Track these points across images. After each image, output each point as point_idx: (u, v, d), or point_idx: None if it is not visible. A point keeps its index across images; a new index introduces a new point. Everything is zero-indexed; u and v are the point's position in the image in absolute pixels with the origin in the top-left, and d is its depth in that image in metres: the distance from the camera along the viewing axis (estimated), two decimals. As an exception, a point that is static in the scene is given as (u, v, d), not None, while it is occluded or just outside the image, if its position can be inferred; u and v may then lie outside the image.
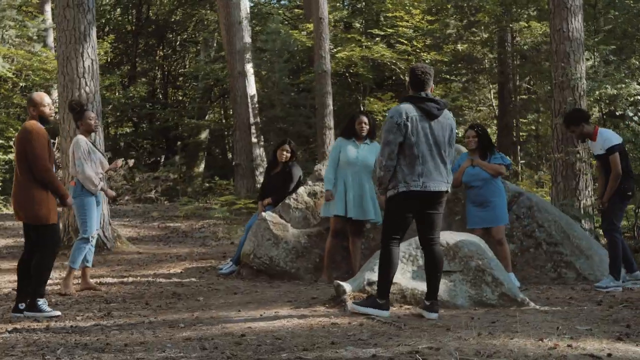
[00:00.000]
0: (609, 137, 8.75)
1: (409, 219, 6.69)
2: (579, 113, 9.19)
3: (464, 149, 9.80)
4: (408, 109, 6.57)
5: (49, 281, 9.16)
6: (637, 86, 13.49)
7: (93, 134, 9.01)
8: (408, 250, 7.31)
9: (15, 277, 9.69)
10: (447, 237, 7.37)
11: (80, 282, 8.85)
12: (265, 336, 5.81)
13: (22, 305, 7.12)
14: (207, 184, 24.77)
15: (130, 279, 9.58)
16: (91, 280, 8.98)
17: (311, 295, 7.95)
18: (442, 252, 6.81)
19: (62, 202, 7.32)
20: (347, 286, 7.12)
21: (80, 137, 8.72)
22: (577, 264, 9.24)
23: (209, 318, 6.74)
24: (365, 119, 9.37)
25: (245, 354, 5.21)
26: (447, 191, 6.71)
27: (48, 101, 7.29)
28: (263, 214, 9.74)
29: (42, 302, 7.10)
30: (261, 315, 6.81)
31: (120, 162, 9.12)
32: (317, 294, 7.94)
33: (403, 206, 6.59)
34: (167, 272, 10.26)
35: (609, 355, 5.01)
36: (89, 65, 11.94)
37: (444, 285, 7.04)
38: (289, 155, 10.33)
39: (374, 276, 7.00)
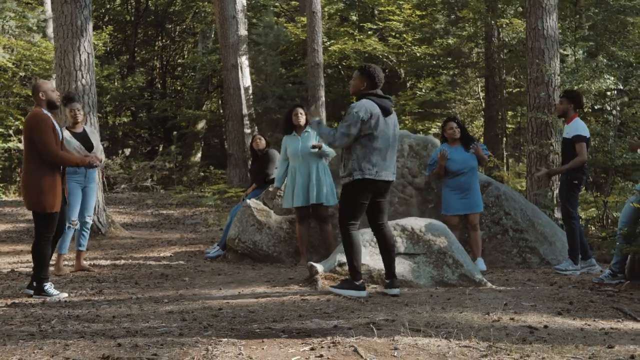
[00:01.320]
0: (579, 127, 9.31)
1: (364, 206, 7.25)
2: (578, 97, 9.70)
3: (438, 142, 10.42)
4: (372, 106, 7.14)
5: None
6: (611, 80, 14.01)
7: (83, 124, 9.49)
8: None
9: (13, 259, 10.43)
10: (412, 223, 8.00)
11: (74, 264, 9.47)
12: (240, 309, 6.42)
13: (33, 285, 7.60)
14: (203, 173, 25.34)
15: (122, 262, 10.19)
16: (85, 262, 9.58)
17: (289, 276, 8.58)
18: (392, 233, 7.43)
19: (89, 166, 7.84)
20: (319, 267, 7.75)
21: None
22: (540, 249, 9.87)
23: (192, 295, 7.36)
24: (300, 110, 10.02)
25: (220, 324, 5.82)
26: (393, 181, 7.35)
27: (54, 87, 7.66)
28: (247, 201, 10.36)
29: (48, 286, 7.50)
30: (239, 292, 7.43)
31: (97, 160, 8.45)
32: (294, 275, 8.57)
33: (358, 193, 7.15)
34: (157, 256, 10.88)
35: (545, 327, 5.62)
36: (85, 59, 12.53)
37: (408, 266, 7.68)
38: (262, 142, 11.08)
39: (344, 257, 7.62)
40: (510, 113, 22.10)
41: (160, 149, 28.18)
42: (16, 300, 7.20)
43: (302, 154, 9.76)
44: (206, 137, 29.62)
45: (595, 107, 15.95)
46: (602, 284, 7.85)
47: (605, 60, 12.87)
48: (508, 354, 4.80)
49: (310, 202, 9.71)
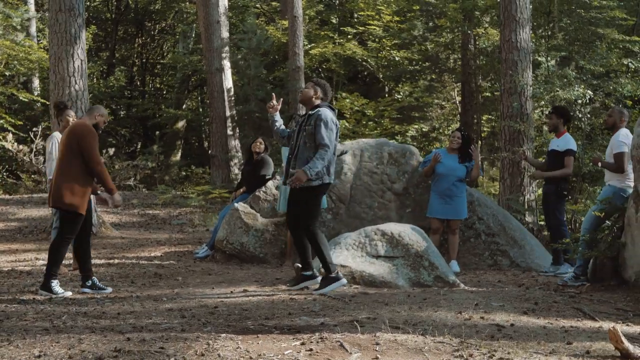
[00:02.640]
0: (571, 142, 10.14)
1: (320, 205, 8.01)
2: (566, 113, 10.52)
3: (416, 151, 11.07)
4: (333, 115, 7.80)
5: (42, 262, 10.41)
6: (581, 90, 14.62)
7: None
8: (358, 238, 8.56)
9: (11, 258, 10.93)
10: (392, 228, 8.63)
11: (72, 263, 10.00)
12: (234, 308, 7.01)
13: (88, 282, 8.14)
14: (184, 173, 25.79)
15: (116, 261, 10.74)
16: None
17: (276, 276, 9.19)
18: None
19: (109, 193, 8.14)
20: (304, 268, 8.34)
21: (55, 134, 9.77)
22: (511, 252, 10.53)
23: (187, 294, 7.94)
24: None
25: (217, 321, 6.40)
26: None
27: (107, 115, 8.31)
28: (236, 204, 10.92)
29: (54, 284, 7.91)
30: (231, 292, 8.01)
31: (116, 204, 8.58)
32: (281, 276, 9.19)
33: (322, 194, 7.88)
34: (149, 255, 11.43)
35: (512, 325, 6.24)
36: (78, 65, 13.05)
37: (387, 268, 8.31)
38: (262, 147, 11.63)
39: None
40: (485, 117, 22.77)
41: (139, 148, 28.55)
42: (24, 297, 7.73)
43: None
44: (186, 137, 29.93)
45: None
46: (566, 285, 8.50)
47: (573, 73, 13.53)
48: (477, 349, 5.40)
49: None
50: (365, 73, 25.55)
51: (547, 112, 15.67)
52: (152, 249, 12.07)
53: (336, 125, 7.73)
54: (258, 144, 11.81)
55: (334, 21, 25.55)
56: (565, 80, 12.92)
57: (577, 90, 13.76)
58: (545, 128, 13.44)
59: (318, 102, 7.88)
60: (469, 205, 10.70)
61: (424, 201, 10.59)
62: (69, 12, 12.95)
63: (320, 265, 7.80)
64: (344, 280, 7.69)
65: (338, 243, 8.63)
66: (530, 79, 13.93)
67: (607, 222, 8.61)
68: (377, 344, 5.55)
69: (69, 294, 7.97)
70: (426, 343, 5.59)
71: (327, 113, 7.71)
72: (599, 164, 8.99)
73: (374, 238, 8.49)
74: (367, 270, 8.23)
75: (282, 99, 8.52)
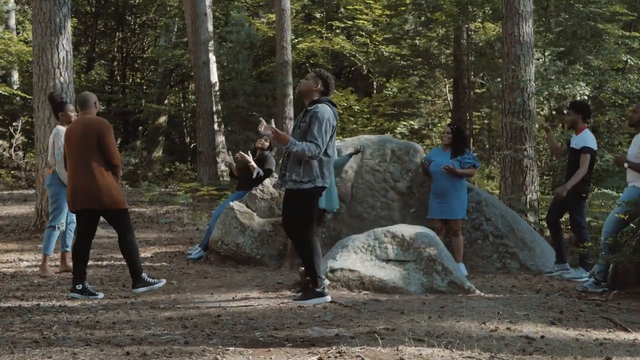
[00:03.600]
0: (588, 139, 9.52)
1: (317, 210, 7.41)
2: (585, 108, 9.87)
3: (420, 148, 10.57)
4: (332, 112, 7.22)
5: (27, 263, 9.84)
6: (583, 86, 14.24)
7: (68, 125, 9.48)
8: (367, 241, 8.04)
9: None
10: (403, 230, 8.11)
11: (59, 265, 9.44)
12: (239, 316, 6.48)
13: (79, 287, 7.62)
14: (168, 169, 25.26)
15: (105, 262, 10.17)
16: (70, 263, 9.54)
17: (276, 280, 8.65)
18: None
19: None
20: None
21: (61, 128, 9.19)
22: (520, 255, 10.06)
23: (185, 300, 7.40)
24: None
25: (222, 332, 5.87)
26: None
27: None
28: (231, 203, 10.38)
29: (145, 276, 7.76)
30: (233, 298, 7.48)
31: None
32: (282, 279, 8.65)
33: (316, 198, 7.22)
34: (138, 256, 10.86)
35: (542, 337, 5.75)
36: (63, 57, 12.44)
37: (398, 273, 7.80)
38: (266, 144, 11.06)
39: (336, 264, 7.73)
40: (477, 114, 22.32)
41: (120, 143, 27.97)
42: (10, 304, 7.16)
43: None
44: (167, 132, 29.41)
45: (565, 112, 16.22)
46: (587, 292, 8.04)
47: (581, 69, 13.10)
48: (515, 366, 4.93)
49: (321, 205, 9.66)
50: (352, 69, 25.05)
51: (547, 109, 15.31)
52: (141, 250, 11.34)
53: (333, 126, 7.14)
54: (263, 140, 11.15)
55: (318, 16, 25.03)
56: (571, 75, 12.45)
57: (579, 87, 13.35)
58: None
59: (317, 96, 7.30)
60: (476, 206, 10.23)
61: (428, 201, 10.12)
62: (54, 1, 12.32)
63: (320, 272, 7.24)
64: (328, 298, 7.10)
65: (345, 246, 8.10)
66: (533, 74, 13.46)
67: (631, 225, 8.12)
68: (402, 359, 5.04)
69: (162, 282, 7.88)
70: (454, 358, 5.09)
71: (324, 111, 7.07)
72: (625, 164, 8.45)
73: (383, 240, 7.98)
74: (377, 275, 7.72)
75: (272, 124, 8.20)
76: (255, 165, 10.71)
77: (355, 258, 7.83)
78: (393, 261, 7.89)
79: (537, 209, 13.22)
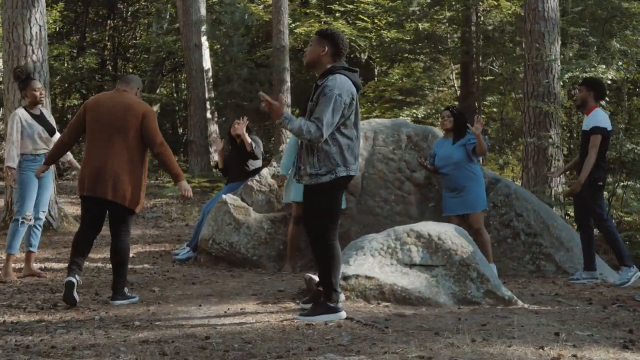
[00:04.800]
0: (599, 118, 8.17)
1: (340, 206, 6.01)
2: (599, 86, 8.48)
3: (440, 133, 9.24)
4: (349, 84, 5.83)
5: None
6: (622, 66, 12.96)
7: (39, 106, 8.14)
8: (386, 242, 6.69)
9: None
10: (429, 228, 6.78)
11: (23, 267, 8.11)
12: (233, 339, 5.14)
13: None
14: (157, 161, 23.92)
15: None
16: (35, 265, 8.24)
17: (277, 287, 7.32)
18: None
19: (176, 180, 6.90)
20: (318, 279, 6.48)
21: (18, 111, 7.92)
22: (556, 256, 8.76)
23: (167, 314, 6.06)
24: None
25: (211, 361, 4.56)
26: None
27: None
28: (223, 196, 9.04)
29: (126, 290, 6.79)
30: (225, 312, 6.14)
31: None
32: (283, 286, 7.32)
33: (338, 193, 5.88)
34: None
35: (620, 367, 4.47)
36: (36, 32, 11.07)
37: (425, 280, 6.47)
38: (244, 127, 9.72)
39: (349, 270, 6.42)
40: (486, 101, 20.99)
41: None
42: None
43: None
44: (160, 122, 28.15)
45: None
46: (650, 302, 6.74)
47: (618, 45, 11.76)
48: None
49: None
50: (352, 55, 23.77)
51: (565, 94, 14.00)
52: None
53: (351, 101, 5.76)
54: (235, 126, 9.78)
55: (314, 1, 23.82)
56: (608, 54, 11.11)
57: (617, 68, 12.03)
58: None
59: (330, 63, 5.92)
60: (505, 199, 8.91)
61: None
62: (25, -31, 10.97)
63: (333, 283, 5.90)
64: (343, 314, 5.76)
65: (360, 247, 6.74)
66: (558, 53, 12.15)
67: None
68: (448, 403, 3.74)
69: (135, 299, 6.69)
70: (516, 401, 3.79)
71: (336, 84, 5.69)
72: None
73: (406, 241, 6.63)
74: (400, 283, 6.35)
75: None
76: (248, 138, 9.37)
77: (373, 262, 6.49)
78: (418, 266, 6.54)
79: (563, 203, 11.90)
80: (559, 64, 12.18)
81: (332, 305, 5.76)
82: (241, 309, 6.23)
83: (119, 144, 6.47)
